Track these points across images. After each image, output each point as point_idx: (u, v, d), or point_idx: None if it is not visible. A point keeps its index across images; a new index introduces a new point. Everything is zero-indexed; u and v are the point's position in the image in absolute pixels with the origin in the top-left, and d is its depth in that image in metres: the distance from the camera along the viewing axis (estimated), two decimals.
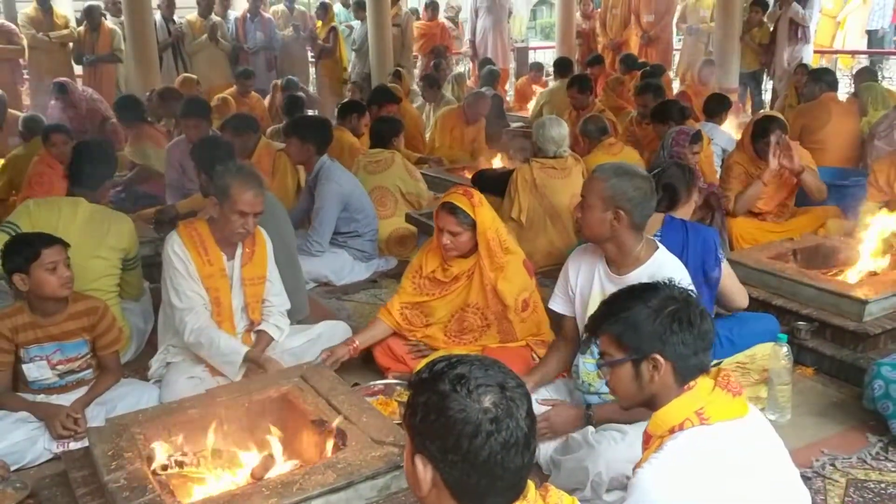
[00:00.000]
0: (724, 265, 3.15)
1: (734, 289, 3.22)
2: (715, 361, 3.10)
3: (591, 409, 2.61)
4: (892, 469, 2.73)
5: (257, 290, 3.31)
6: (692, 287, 2.64)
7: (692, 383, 1.74)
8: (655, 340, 1.74)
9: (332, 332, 3.50)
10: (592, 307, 2.73)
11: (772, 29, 9.28)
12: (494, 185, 4.85)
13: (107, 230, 3.44)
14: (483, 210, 3.25)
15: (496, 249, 3.26)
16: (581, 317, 2.80)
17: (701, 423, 1.68)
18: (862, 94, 6.42)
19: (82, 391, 3.01)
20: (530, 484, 1.41)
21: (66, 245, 2.95)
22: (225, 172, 3.12)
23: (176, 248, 3.13)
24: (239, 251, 3.24)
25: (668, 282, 1.86)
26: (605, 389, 2.59)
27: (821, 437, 2.94)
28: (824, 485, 2.65)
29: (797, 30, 8.93)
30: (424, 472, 1.35)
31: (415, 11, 12.27)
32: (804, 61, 8.80)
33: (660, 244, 2.75)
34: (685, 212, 3.39)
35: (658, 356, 1.74)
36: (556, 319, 3.08)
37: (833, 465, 2.75)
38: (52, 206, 3.48)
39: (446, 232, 3.23)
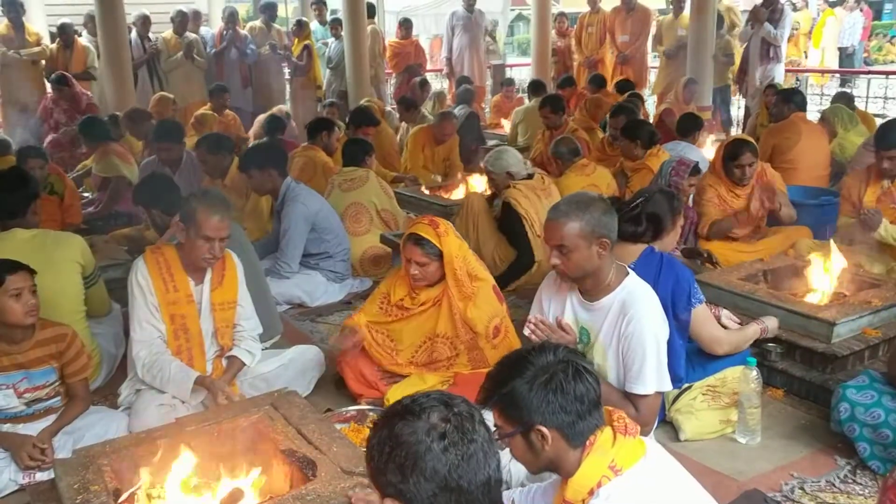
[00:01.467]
0: (702, 309, 3.08)
1: (704, 335, 3.13)
2: (686, 385, 3.17)
3: None
4: (860, 492, 2.75)
5: (227, 315, 3.28)
6: (660, 315, 2.68)
7: (592, 439, 1.78)
8: (535, 413, 1.77)
9: (303, 357, 3.49)
10: None
11: (743, 48, 9.42)
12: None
13: (52, 251, 3.39)
14: (449, 239, 3.27)
15: (463, 278, 3.28)
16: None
17: (616, 476, 1.72)
18: (829, 116, 6.62)
19: (50, 419, 2.96)
20: None
21: (32, 272, 2.91)
22: (191, 197, 3.11)
23: (139, 277, 3.12)
24: (208, 276, 3.22)
25: (546, 345, 1.88)
26: None
27: (790, 459, 2.97)
28: None
29: (769, 49, 9.05)
30: None
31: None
32: (776, 80, 8.94)
33: (630, 270, 2.78)
34: (671, 240, 3.34)
35: (541, 427, 1.77)
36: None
37: (802, 488, 2.77)
38: None
39: (413, 263, 3.25)
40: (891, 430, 2.77)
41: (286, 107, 9.14)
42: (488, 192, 5.16)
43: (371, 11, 10.25)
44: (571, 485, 1.77)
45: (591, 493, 1.73)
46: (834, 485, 2.80)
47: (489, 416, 1.75)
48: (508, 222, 4.70)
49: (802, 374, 3.43)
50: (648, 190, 3.34)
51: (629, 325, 2.62)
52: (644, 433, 2.56)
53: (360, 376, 3.37)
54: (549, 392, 1.76)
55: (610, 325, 2.69)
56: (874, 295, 3.71)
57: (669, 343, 2.78)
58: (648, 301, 2.68)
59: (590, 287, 2.73)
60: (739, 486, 2.78)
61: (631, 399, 2.66)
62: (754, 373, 3.03)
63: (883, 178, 4.55)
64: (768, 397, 3.40)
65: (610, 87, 9.19)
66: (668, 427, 3.16)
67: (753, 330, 3.34)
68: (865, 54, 17.15)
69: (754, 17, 9.05)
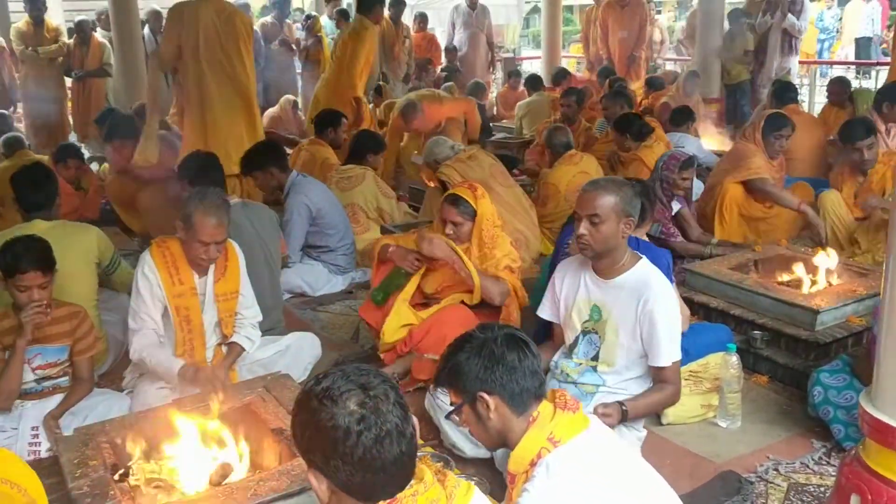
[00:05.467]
0: (675, 289, 3.17)
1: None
2: None
3: (626, 406, 2.76)
4: (833, 473, 2.81)
5: (230, 305, 3.36)
6: (673, 295, 2.87)
7: (535, 413, 1.90)
8: (476, 382, 1.92)
9: (300, 344, 3.60)
10: (575, 312, 2.93)
11: (757, 39, 9.33)
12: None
13: (69, 243, 3.51)
14: (484, 202, 3.52)
15: (486, 239, 3.50)
16: (565, 322, 3.00)
17: (555, 447, 1.83)
18: (856, 98, 6.88)
19: (57, 399, 3.09)
20: (425, 469, 1.54)
21: (46, 269, 3.00)
22: (190, 199, 3.15)
23: (146, 270, 3.17)
24: (211, 268, 3.30)
25: (487, 324, 2.05)
26: (582, 380, 2.89)
27: (768, 443, 3.05)
28: (766, 489, 2.75)
29: (789, 41, 9.01)
30: (319, 484, 1.49)
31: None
32: (791, 72, 8.93)
33: (642, 256, 2.92)
34: (643, 231, 3.48)
35: (483, 394, 1.91)
36: (544, 326, 3.23)
37: (776, 469, 2.86)
38: (6, 237, 3.44)
39: (449, 223, 3.48)
40: None
41: (293, 97, 9.22)
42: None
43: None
44: (513, 457, 1.90)
45: (532, 464, 1.84)
46: (808, 466, 2.88)
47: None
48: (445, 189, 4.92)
49: (786, 361, 3.51)
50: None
51: (647, 305, 2.77)
52: (676, 398, 2.88)
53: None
54: (486, 361, 1.91)
55: (624, 304, 2.83)
56: (860, 284, 3.78)
57: None
58: (662, 283, 2.85)
59: (605, 266, 2.87)
60: (716, 468, 2.88)
61: (657, 372, 2.84)
62: (734, 358, 3.11)
63: (857, 175, 4.69)
64: (753, 383, 3.49)
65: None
66: None
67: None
68: (884, 45, 16.97)
69: (775, 6, 8.97)
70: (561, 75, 9.70)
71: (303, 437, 1.48)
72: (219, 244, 3.16)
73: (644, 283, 2.80)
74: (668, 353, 2.79)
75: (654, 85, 9.13)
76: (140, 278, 3.19)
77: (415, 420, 1.53)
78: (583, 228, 2.78)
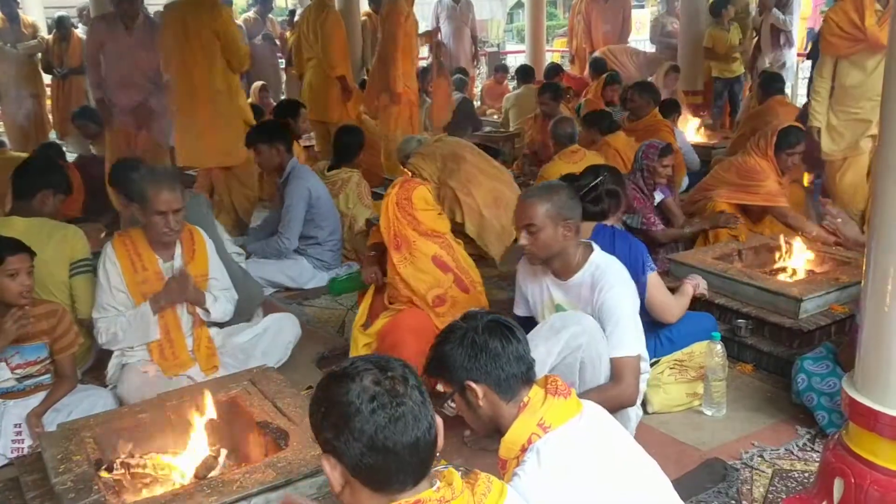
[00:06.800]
0: (654, 277, 3.19)
1: (655, 302, 3.19)
2: (654, 359, 3.26)
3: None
4: (817, 459, 2.82)
5: (200, 288, 3.41)
6: (629, 282, 2.80)
7: (526, 399, 1.90)
8: (461, 370, 1.92)
9: (279, 325, 3.61)
10: (546, 312, 2.92)
11: (756, 36, 9.36)
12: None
13: (47, 240, 3.46)
14: (384, 205, 3.43)
15: (391, 239, 3.39)
16: (539, 320, 2.97)
17: (545, 433, 1.83)
18: None
19: (40, 396, 3.07)
20: (454, 473, 1.49)
21: (32, 254, 3.02)
22: (138, 179, 3.26)
23: (107, 262, 3.25)
24: (178, 252, 3.35)
25: (472, 312, 2.03)
26: None
27: (753, 430, 3.07)
28: (751, 475, 2.77)
29: (779, 35, 9.04)
30: (332, 470, 1.45)
31: None
32: (787, 65, 8.96)
33: (594, 245, 2.90)
34: (617, 218, 3.49)
35: (470, 383, 1.91)
36: (525, 321, 3.18)
37: (761, 456, 2.88)
38: None
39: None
40: None
41: (261, 81, 9.22)
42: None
43: None
44: (504, 443, 1.89)
45: (523, 449, 1.83)
46: (792, 452, 2.90)
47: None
48: None
49: (770, 349, 3.53)
50: (596, 170, 3.44)
51: (601, 293, 2.75)
52: (631, 398, 2.70)
53: None
54: (470, 349, 1.91)
55: (585, 300, 2.82)
56: (843, 272, 3.80)
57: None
58: (616, 270, 2.82)
59: (559, 267, 2.87)
60: (701, 455, 2.89)
61: (614, 365, 2.70)
62: (719, 347, 3.13)
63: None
64: (738, 372, 3.51)
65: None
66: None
67: (688, 290, 3.43)
68: None
69: (762, 3, 9.03)
70: (554, 71, 9.66)
71: (317, 413, 1.46)
72: (177, 213, 3.22)
73: (597, 275, 2.79)
74: (620, 342, 2.70)
75: (616, 79, 9.14)
76: (100, 271, 3.26)
77: (439, 419, 1.49)
78: (523, 239, 2.81)
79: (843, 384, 2.17)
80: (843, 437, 2.18)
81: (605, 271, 2.79)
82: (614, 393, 2.65)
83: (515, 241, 5.10)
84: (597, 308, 2.75)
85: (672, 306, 3.27)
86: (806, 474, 2.77)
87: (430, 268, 3.40)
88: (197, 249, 3.41)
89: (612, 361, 2.70)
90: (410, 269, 3.36)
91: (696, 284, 3.50)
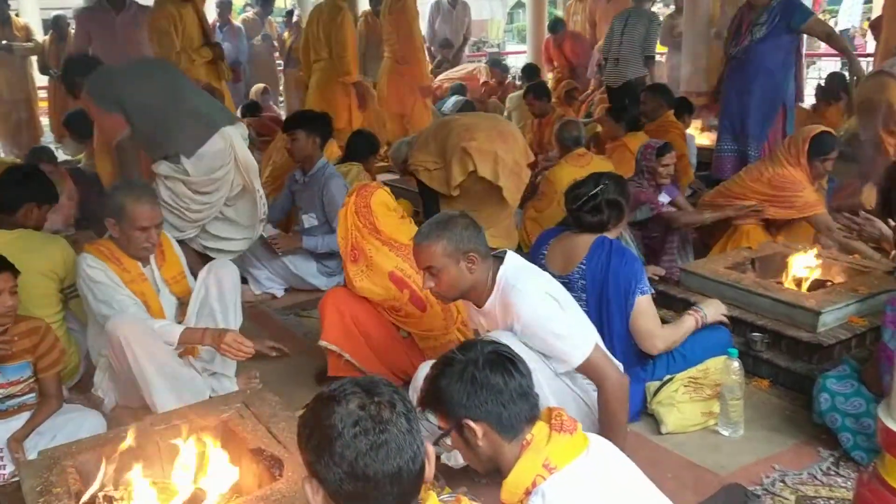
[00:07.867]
0: (645, 300, 3.02)
1: (639, 329, 3.03)
2: (668, 376, 3.12)
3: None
4: (843, 485, 2.70)
5: (182, 287, 3.38)
6: (538, 286, 2.60)
7: (529, 437, 1.75)
8: (459, 408, 1.78)
9: (217, 273, 3.39)
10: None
11: None
12: None
13: (32, 255, 3.32)
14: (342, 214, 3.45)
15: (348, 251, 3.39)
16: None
17: (551, 475, 1.68)
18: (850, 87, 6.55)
19: (24, 417, 2.93)
20: (432, 495, 1.44)
21: (16, 273, 2.90)
22: (116, 191, 3.15)
23: (91, 263, 3.11)
24: (151, 258, 3.29)
25: (470, 343, 1.90)
26: None
27: (773, 452, 2.92)
28: (773, 503, 2.62)
29: None
30: (315, 495, 1.42)
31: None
32: None
33: (504, 255, 2.70)
34: (617, 232, 3.30)
35: (467, 421, 1.77)
36: None
37: (783, 481, 2.73)
38: None
39: None
40: (873, 419, 2.71)
41: (262, 84, 9.08)
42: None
43: None
44: (507, 486, 1.73)
45: (527, 493, 1.69)
46: (816, 477, 2.75)
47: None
48: (423, 187, 4.97)
49: (788, 363, 3.37)
50: (597, 178, 3.26)
51: (519, 321, 2.54)
52: (621, 384, 2.53)
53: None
54: (469, 386, 1.77)
55: (503, 323, 2.63)
56: (861, 283, 3.65)
57: (614, 329, 2.85)
58: (520, 284, 2.58)
59: (474, 298, 2.71)
60: (721, 481, 2.74)
61: (583, 372, 2.58)
62: (736, 364, 2.98)
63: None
64: (754, 388, 3.36)
65: None
66: (649, 420, 3.11)
67: (689, 323, 3.17)
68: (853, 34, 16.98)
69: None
70: (533, 71, 9.51)
71: (303, 434, 1.43)
72: (158, 227, 3.17)
73: (504, 301, 2.59)
74: (569, 352, 2.52)
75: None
76: (90, 272, 3.11)
77: (430, 447, 1.43)
78: (428, 281, 2.63)
79: (879, 412, 2.01)
80: (878, 469, 2.03)
81: (509, 293, 2.57)
82: (608, 396, 2.51)
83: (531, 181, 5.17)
84: (519, 333, 2.55)
85: (656, 337, 3.07)
86: (832, 501, 2.62)
87: (386, 284, 3.33)
88: (166, 251, 3.36)
89: (580, 370, 2.56)
90: (366, 282, 3.33)
91: (702, 317, 3.21)
